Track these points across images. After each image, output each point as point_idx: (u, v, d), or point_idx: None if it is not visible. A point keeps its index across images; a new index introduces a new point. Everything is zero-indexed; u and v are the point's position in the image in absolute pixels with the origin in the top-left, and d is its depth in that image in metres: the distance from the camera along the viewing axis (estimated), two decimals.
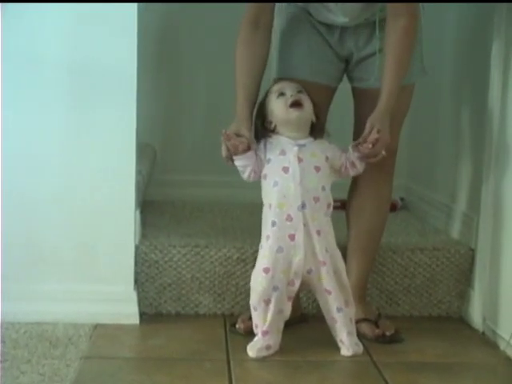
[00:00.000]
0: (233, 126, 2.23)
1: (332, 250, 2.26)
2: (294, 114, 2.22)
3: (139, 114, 2.49)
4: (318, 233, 2.22)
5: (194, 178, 3.49)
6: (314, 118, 2.25)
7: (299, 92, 2.23)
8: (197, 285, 2.62)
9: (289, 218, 2.20)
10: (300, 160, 2.20)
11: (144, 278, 2.61)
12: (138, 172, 2.61)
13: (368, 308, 2.52)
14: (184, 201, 3.37)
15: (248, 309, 2.42)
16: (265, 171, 2.23)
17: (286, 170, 2.21)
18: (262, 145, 2.25)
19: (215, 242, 2.66)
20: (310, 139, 2.26)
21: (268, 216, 2.25)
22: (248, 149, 2.19)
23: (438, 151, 3.15)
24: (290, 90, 2.23)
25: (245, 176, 2.24)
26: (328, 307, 2.28)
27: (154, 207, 3.19)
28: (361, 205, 2.47)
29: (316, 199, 2.21)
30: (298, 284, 2.24)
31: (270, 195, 2.24)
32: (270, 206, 2.23)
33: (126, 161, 2.50)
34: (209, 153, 3.24)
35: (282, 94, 2.23)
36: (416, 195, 3.35)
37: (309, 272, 2.24)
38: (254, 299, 2.27)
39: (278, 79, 2.31)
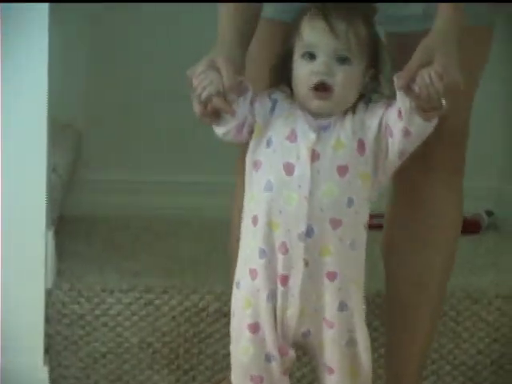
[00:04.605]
0: (206, 58, 1.71)
1: (353, 306, 1.74)
2: (314, 103, 1.65)
3: (52, 78, 2.06)
4: (332, 276, 1.71)
5: (142, 178, 2.85)
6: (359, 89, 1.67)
7: (341, 59, 1.63)
8: (148, 355, 2.17)
9: (282, 248, 1.68)
10: (315, 156, 1.66)
11: (61, 344, 2.15)
12: (52, 169, 2.20)
13: None
14: (126, 215, 2.75)
15: None
16: (258, 156, 1.72)
17: (289, 168, 1.67)
18: (266, 100, 1.74)
19: (179, 283, 2.20)
20: (340, 115, 1.67)
21: (251, 237, 1.72)
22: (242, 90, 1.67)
23: None
24: (324, 51, 1.63)
25: (220, 132, 1.74)
26: None
27: (78, 226, 2.67)
28: (405, 234, 1.92)
29: (335, 223, 1.66)
30: (291, 352, 1.79)
31: (257, 201, 1.71)
32: (256, 219, 1.70)
33: (31, 151, 2.07)
34: (164, 139, 2.90)
35: (310, 56, 1.65)
36: None
37: (305, 335, 1.76)
38: (237, 375, 1.81)
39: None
